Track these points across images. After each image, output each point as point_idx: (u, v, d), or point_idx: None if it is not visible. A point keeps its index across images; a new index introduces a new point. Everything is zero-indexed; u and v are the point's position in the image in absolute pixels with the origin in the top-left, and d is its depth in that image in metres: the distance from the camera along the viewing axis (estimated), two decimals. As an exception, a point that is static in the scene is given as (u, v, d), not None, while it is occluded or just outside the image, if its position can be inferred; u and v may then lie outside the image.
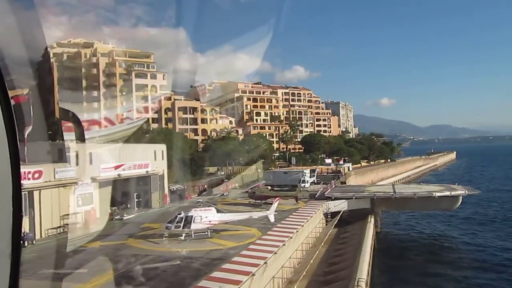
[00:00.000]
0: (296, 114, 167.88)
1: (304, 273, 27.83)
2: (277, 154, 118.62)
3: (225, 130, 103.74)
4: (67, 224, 36.32)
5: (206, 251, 28.28)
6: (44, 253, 28.86)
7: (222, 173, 77.21)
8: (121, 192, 48.30)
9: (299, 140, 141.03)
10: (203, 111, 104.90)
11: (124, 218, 42.58)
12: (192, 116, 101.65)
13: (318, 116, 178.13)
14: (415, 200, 50.55)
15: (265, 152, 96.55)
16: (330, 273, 30.18)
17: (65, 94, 76.64)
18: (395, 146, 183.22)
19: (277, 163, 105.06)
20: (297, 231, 34.23)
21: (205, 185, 66.45)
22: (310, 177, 69.77)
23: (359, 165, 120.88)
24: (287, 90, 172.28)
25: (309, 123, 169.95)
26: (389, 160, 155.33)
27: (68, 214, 36.87)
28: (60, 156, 37.71)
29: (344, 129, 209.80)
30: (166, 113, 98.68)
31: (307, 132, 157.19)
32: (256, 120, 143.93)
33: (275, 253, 27.35)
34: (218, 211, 34.28)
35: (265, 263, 24.85)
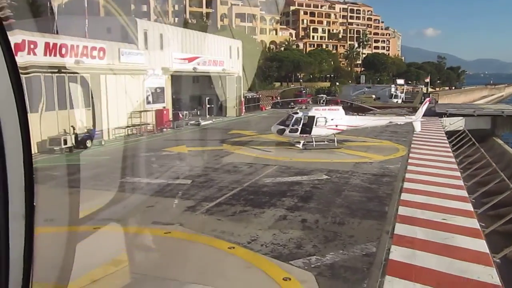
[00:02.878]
0: (354, 33, 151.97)
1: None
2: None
3: (286, 43, 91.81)
4: (138, 125, 27.74)
5: (352, 164, 19.04)
6: (118, 156, 20.50)
7: (292, 85, 67.01)
8: (192, 94, 39.19)
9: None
10: (262, 19, 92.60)
11: (202, 123, 33.78)
12: (250, 24, 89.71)
13: (377, 37, 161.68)
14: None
15: (332, 68, 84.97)
16: None
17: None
18: (461, 72, 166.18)
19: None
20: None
21: (278, 96, 56.78)
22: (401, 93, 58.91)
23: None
24: (345, 6, 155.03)
25: (368, 44, 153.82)
26: (453, 88, 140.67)
27: (139, 112, 28.18)
28: (125, 35, 28.32)
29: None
30: (222, 19, 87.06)
31: (364, 53, 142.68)
32: (313, 37, 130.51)
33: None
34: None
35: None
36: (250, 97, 46.57)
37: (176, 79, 33.33)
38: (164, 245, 9.89)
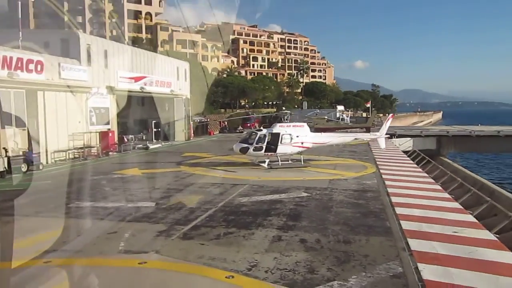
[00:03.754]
0: (292, 62, 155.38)
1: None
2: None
3: (228, 69, 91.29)
4: (82, 148, 24.82)
5: (327, 181, 17.68)
6: (61, 180, 17.75)
7: (238, 111, 65.82)
8: (138, 116, 36.63)
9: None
10: (204, 46, 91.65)
11: (150, 147, 31.28)
12: (192, 51, 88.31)
13: (314, 66, 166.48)
14: (501, 139, 40.88)
15: (273, 95, 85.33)
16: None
17: None
18: (393, 100, 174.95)
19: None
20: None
21: (226, 121, 55.18)
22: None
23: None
24: (283, 36, 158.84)
25: (307, 72, 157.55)
26: (387, 114, 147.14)
27: (82, 133, 25.30)
28: (66, 49, 25.63)
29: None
30: (162, 46, 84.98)
31: (302, 82, 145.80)
32: (253, 65, 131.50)
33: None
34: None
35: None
36: (198, 121, 44.58)
37: (121, 99, 30.77)
38: (141, 278, 7.69)
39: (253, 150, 21.27)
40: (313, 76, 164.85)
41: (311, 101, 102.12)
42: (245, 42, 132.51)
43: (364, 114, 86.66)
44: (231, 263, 8.24)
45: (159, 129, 38.14)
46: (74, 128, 24.97)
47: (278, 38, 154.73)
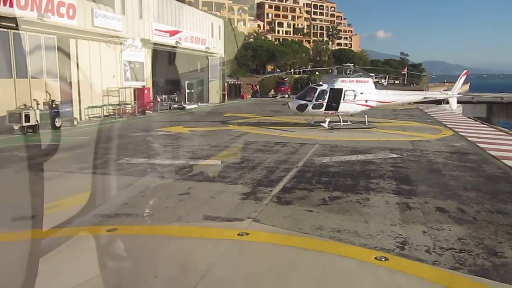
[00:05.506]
0: (317, 29, 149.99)
1: None
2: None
3: (255, 34, 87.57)
4: (117, 105, 22.60)
5: (408, 142, 15.08)
6: (102, 136, 15.61)
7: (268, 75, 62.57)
8: (171, 76, 34.13)
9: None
10: (230, 9, 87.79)
11: (186, 107, 28.97)
12: (218, 14, 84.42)
13: (339, 33, 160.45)
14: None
15: (302, 60, 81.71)
16: None
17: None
18: (421, 69, 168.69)
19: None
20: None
21: (257, 85, 52.45)
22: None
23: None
24: (309, 1, 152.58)
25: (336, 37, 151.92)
26: (414, 85, 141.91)
27: (117, 89, 23.04)
28: (98, -5, 23.06)
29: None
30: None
31: (331, 48, 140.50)
32: (278, 31, 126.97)
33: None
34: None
35: None
36: (231, 83, 41.93)
37: (156, 55, 28.29)
38: (254, 256, 5.34)
39: (312, 108, 18.69)
40: (339, 44, 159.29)
41: (338, 68, 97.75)
42: (270, 6, 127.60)
43: (397, 82, 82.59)
44: (368, 238, 5.85)
45: (192, 90, 35.68)
46: (108, 83, 22.67)
47: (303, 3, 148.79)
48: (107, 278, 4.66)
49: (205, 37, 34.44)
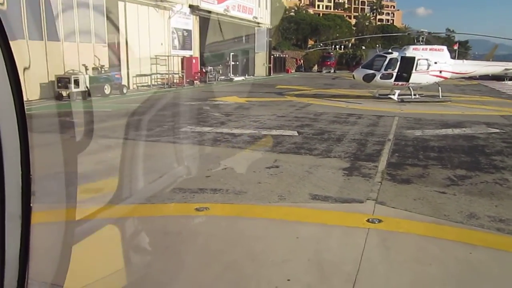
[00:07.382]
0: (359, 4, 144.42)
1: None
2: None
3: (295, 8, 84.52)
4: (167, 73, 21.43)
5: (498, 117, 13.17)
6: (155, 104, 14.47)
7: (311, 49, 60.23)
8: (217, 46, 32.60)
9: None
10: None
11: (235, 79, 27.58)
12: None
13: (381, 9, 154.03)
14: None
15: (345, 35, 78.35)
16: None
17: None
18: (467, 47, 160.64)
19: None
20: None
21: (301, 59, 50.42)
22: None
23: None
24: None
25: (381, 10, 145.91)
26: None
27: (165, 57, 21.83)
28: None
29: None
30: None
31: (375, 22, 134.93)
32: (318, 6, 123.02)
33: None
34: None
35: None
36: (276, 56, 40.15)
37: (203, 23, 26.86)
38: (400, 253, 3.89)
39: (380, 78, 16.89)
40: (380, 20, 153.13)
41: (384, 44, 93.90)
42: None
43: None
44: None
45: (237, 62, 34.13)
46: (155, 51, 21.48)
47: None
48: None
49: (252, 7, 32.72)
